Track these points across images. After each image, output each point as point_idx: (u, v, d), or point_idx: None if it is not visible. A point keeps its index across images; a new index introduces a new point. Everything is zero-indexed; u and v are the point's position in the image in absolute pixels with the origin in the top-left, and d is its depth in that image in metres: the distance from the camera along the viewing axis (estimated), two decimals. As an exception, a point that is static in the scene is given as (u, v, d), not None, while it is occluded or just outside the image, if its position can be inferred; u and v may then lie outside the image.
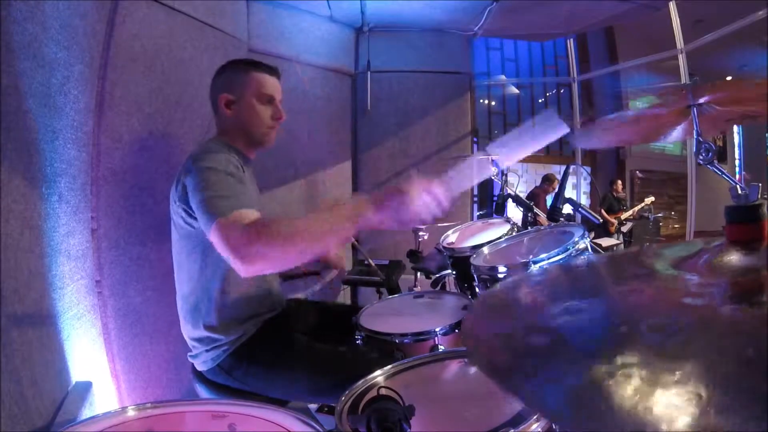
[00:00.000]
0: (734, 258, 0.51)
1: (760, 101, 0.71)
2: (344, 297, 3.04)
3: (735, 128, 8.17)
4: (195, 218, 1.12)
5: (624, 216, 5.96)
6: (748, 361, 0.33)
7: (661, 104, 0.73)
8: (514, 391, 0.37)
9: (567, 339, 0.45)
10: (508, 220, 1.85)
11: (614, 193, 6.14)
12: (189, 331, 1.28)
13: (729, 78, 7.03)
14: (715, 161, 0.69)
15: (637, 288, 0.51)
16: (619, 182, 6.35)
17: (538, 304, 0.55)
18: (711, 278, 0.49)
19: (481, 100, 7.58)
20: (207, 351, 1.25)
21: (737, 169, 8.33)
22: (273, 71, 1.35)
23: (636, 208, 6.15)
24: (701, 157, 0.70)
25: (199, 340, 1.26)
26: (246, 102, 1.30)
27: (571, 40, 5.21)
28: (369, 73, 3.14)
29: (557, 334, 0.46)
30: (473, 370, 0.93)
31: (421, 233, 2.54)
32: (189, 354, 1.31)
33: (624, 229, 5.91)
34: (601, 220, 5.65)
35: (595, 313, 0.49)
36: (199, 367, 1.29)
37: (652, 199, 6.28)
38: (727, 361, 0.33)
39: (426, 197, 1.00)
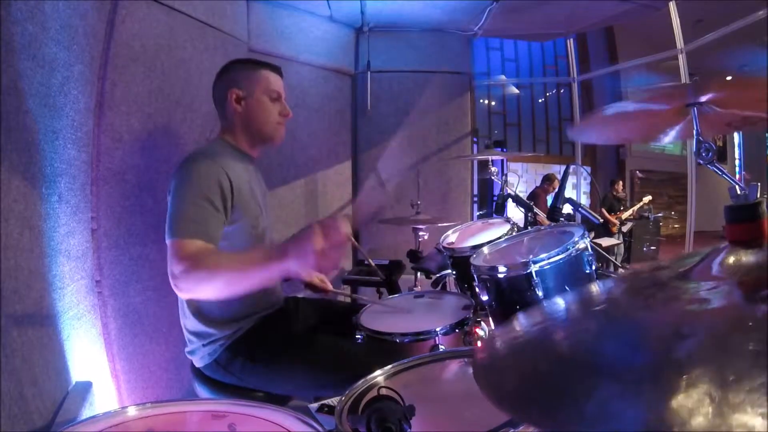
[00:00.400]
0: (737, 259, 0.51)
1: (760, 104, 0.71)
2: (344, 297, 3.03)
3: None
4: None
5: (624, 216, 5.97)
6: (757, 357, 0.33)
7: (661, 96, 0.73)
8: (532, 421, 0.37)
9: (579, 365, 0.44)
10: (508, 220, 1.85)
11: (614, 193, 6.15)
12: (187, 325, 1.29)
13: (729, 78, 7.02)
14: (715, 161, 0.69)
15: (647, 303, 0.51)
16: (621, 182, 6.36)
17: (552, 336, 0.55)
18: (717, 281, 0.49)
19: (481, 100, 7.58)
20: (204, 346, 1.26)
21: (737, 169, 8.33)
22: (278, 70, 1.39)
23: (635, 208, 6.16)
24: (701, 157, 0.69)
25: (196, 334, 1.27)
26: (256, 98, 1.33)
27: (571, 40, 5.20)
28: (369, 73, 3.14)
29: (568, 361, 0.45)
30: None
31: (421, 233, 2.54)
32: (186, 349, 1.32)
33: (624, 229, 5.92)
34: (602, 220, 5.65)
35: (604, 333, 0.49)
36: (197, 363, 1.29)
37: (649, 198, 6.30)
38: (737, 359, 0.33)
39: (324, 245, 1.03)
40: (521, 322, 0.61)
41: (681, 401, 0.31)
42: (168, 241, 1.12)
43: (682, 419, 0.29)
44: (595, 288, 0.69)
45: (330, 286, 1.56)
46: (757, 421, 0.27)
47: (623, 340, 0.46)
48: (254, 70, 1.35)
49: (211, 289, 1.09)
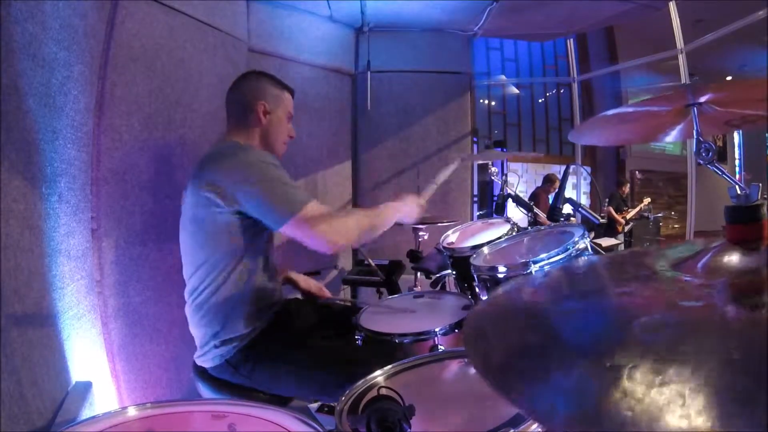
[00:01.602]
0: (734, 258, 0.51)
1: (760, 103, 0.71)
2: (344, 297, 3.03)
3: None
4: (234, 210, 1.21)
5: (629, 216, 6.00)
6: (732, 362, 0.33)
7: (660, 99, 0.72)
8: (507, 392, 0.37)
9: (561, 339, 0.45)
10: (508, 220, 1.85)
11: (621, 194, 6.18)
12: (202, 330, 1.28)
13: (729, 78, 7.04)
14: (715, 161, 0.69)
15: (635, 290, 0.51)
16: (627, 184, 6.42)
17: (536, 306, 0.55)
18: (709, 279, 0.49)
19: (481, 100, 7.58)
20: (216, 347, 1.26)
21: (737, 169, 8.34)
22: (293, 93, 1.49)
23: (637, 209, 6.20)
24: (701, 157, 0.69)
25: (212, 336, 1.27)
26: (278, 116, 1.42)
27: (571, 40, 5.20)
28: (369, 73, 3.14)
29: (552, 335, 0.46)
30: (473, 370, 0.93)
31: (421, 233, 2.54)
32: (196, 354, 1.31)
33: (624, 228, 5.95)
34: (606, 220, 5.69)
35: (591, 314, 0.49)
36: (206, 365, 1.29)
37: (649, 200, 6.35)
38: (712, 363, 0.33)
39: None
40: (514, 291, 0.61)
41: (654, 397, 0.31)
42: (290, 223, 1.17)
43: (652, 417, 0.29)
44: (586, 265, 0.69)
45: (327, 293, 1.60)
46: (717, 426, 0.28)
47: (607, 323, 0.46)
48: (281, 90, 1.44)
49: (353, 232, 1.26)
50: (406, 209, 1.42)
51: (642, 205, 6.25)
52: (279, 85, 1.44)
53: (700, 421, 0.28)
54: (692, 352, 0.35)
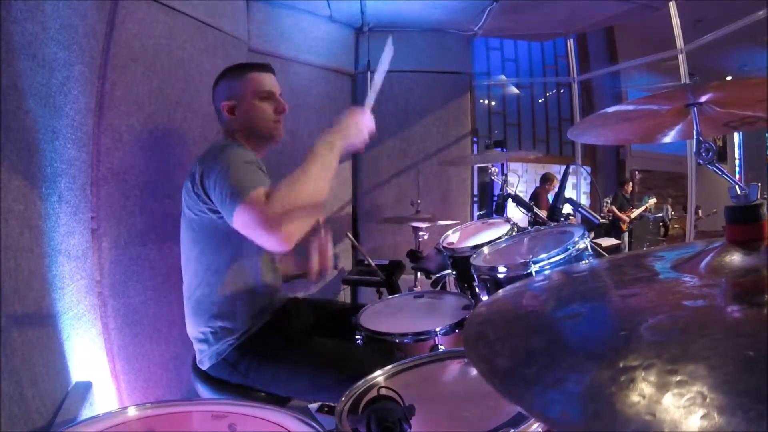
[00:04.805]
0: (734, 258, 0.51)
1: (760, 104, 0.71)
2: (344, 297, 3.03)
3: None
4: (212, 209, 1.19)
5: (633, 215, 6.01)
6: (749, 361, 0.33)
7: (660, 98, 0.72)
8: (515, 398, 0.37)
9: (568, 343, 0.44)
10: (508, 220, 1.85)
11: (623, 193, 6.18)
12: (197, 327, 1.29)
13: (729, 78, 7.04)
14: (715, 161, 0.69)
15: (639, 291, 0.51)
16: (630, 183, 6.42)
17: (540, 309, 0.55)
18: (711, 279, 0.49)
19: (481, 100, 7.57)
20: (213, 345, 1.27)
21: (737, 169, 8.33)
22: (266, 68, 1.39)
23: (641, 209, 6.20)
24: (701, 157, 0.69)
25: (207, 334, 1.27)
26: (247, 103, 1.34)
27: (571, 40, 5.19)
28: (369, 73, 3.14)
29: (558, 339, 0.46)
30: (473, 370, 0.93)
31: (421, 233, 2.54)
32: (197, 357, 1.32)
33: (628, 227, 5.97)
34: (611, 219, 5.69)
35: (597, 317, 0.49)
36: (204, 365, 1.29)
37: (654, 200, 6.36)
38: (728, 362, 0.33)
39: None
40: (514, 295, 0.61)
41: (674, 398, 0.31)
42: (237, 210, 1.06)
43: (674, 418, 0.29)
44: (587, 268, 0.69)
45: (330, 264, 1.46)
46: (742, 426, 0.27)
47: (614, 325, 0.46)
48: (241, 74, 1.35)
49: (299, 214, 1.10)
50: (348, 137, 1.25)
51: (647, 205, 6.26)
52: (239, 71, 1.36)
53: (724, 420, 0.28)
54: (706, 352, 0.35)
